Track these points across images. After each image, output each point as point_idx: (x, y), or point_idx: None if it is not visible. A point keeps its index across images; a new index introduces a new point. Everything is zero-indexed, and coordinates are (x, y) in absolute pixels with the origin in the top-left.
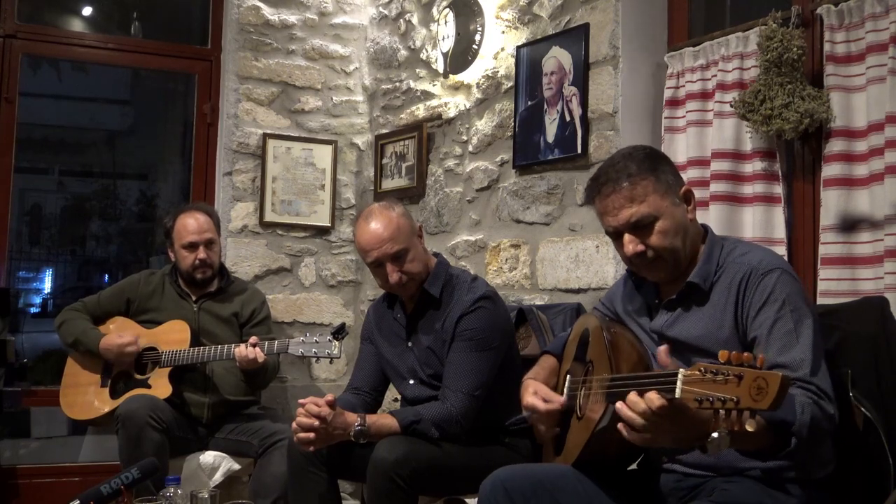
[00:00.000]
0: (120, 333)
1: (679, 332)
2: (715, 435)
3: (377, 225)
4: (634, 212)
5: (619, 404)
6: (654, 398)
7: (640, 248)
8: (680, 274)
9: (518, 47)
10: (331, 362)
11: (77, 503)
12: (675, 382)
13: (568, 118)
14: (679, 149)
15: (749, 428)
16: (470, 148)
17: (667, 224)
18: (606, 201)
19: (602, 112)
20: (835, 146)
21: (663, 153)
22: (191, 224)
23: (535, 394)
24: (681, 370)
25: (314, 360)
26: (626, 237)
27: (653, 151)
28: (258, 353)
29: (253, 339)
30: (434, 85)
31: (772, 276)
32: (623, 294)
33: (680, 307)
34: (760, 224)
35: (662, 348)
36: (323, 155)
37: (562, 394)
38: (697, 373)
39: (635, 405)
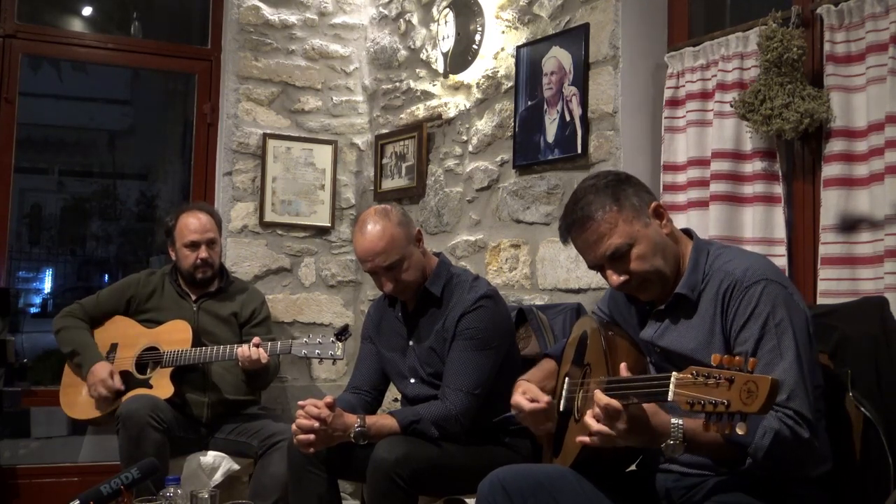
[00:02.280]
0: (113, 371)
1: (670, 343)
2: (670, 442)
3: (371, 237)
4: (607, 246)
5: (586, 419)
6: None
7: (623, 277)
8: (669, 286)
9: (518, 47)
10: (333, 363)
11: (77, 503)
12: (667, 385)
13: (568, 118)
14: (679, 149)
15: (739, 431)
16: (470, 148)
17: (642, 248)
18: (578, 242)
19: (602, 112)
20: (835, 146)
21: (626, 175)
22: (193, 223)
23: (524, 394)
24: (673, 373)
25: (317, 361)
26: (608, 270)
27: (614, 178)
28: (261, 354)
29: (256, 340)
30: (434, 85)
31: (756, 288)
32: (617, 300)
33: (668, 318)
34: (760, 224)
35: (623, 365)
36: (323, 155)
37: (560, 397)
38: (689, 376)
39: (591, 426)
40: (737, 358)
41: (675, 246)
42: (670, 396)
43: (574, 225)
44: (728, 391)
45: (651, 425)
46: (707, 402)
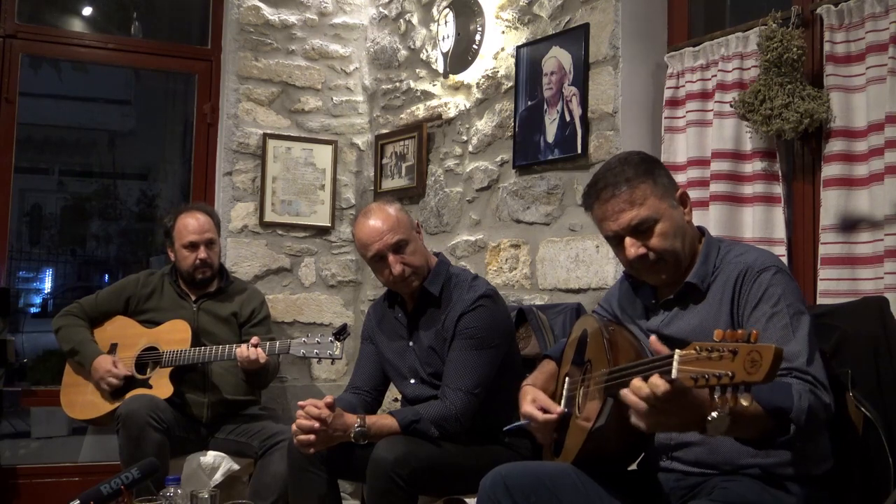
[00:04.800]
0: (115, 360)
1: (675, 330)
2: (714, 414)
3: (376, 219)
4: (635, 215)
5: (623, 391)
6: (658, 382)
7: (642, 250)
8: (679, 275)
9: (518, 47)
10: (332, 363)
11: (77, 503)
12: (671, 363)
13: (568, 118)
14: (679, 149)
15: (744, 402)
16: (470, 148)
17: (666, 226)
18: (606, 206)
19: (602, 112)
20: (835, 146)
21: (656, 158)
22: (191, 224)
23: (534, 402)
24: (677, 350)
25: (316, 360)
26: (628, 241)
27: (647, 156)
28: (260, 354)
29: (254, 340)
30: (434, 85)
31: (767, 274)
32: (621, 296)
33: (677, 307)
34: (760, 224)
35: (653, 338)
36: (323, 155)
37: (561, 397)
38: (693, 352)
39: (639, 390)
40: (739, 331)
41: (692, 236)
42: (674, 374)
43: (606, 189)
44: (732, 363)
45: (692, 401)
46: (711, 376)
